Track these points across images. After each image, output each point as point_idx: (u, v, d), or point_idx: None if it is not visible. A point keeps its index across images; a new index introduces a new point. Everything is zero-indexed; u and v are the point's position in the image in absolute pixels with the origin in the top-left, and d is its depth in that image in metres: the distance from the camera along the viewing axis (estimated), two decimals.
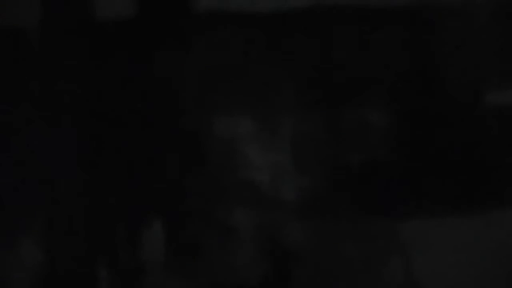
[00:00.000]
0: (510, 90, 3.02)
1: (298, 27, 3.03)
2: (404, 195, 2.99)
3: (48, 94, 2.94)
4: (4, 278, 2.79)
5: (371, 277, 2.96)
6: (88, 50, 2.96)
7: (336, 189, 3.01)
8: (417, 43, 3.06)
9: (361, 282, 2.96)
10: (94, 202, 2.92)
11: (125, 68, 2.99)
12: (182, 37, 3.01)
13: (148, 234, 2.91)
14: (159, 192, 2.95)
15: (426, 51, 3.06)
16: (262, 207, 3.00)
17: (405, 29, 3.06)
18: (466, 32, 3.04)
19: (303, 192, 3.01)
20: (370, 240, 2.99)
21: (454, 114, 3.04)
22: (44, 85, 2.94)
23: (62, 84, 2.93)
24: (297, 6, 3.02)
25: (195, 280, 2.90)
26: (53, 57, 2.93)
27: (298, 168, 3.04)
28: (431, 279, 2.93)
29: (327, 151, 3.05)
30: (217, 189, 2.99)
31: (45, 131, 2.91)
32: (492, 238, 2.95)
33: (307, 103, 3.04)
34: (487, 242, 2.95)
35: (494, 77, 3.04)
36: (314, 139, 3.05)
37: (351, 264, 2.95)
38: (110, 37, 3.00)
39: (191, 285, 2.91)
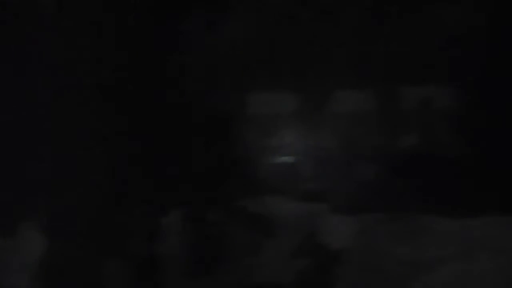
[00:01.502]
0: None
1: None
2: (467, 192, 2.56)
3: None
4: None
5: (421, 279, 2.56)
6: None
7: (388, 181, 2.59)
8: None
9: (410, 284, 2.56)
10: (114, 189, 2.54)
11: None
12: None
13: (169, 224, 2.55)
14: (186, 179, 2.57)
15: None
16: (300, 197, 2.60)
17: None
18: None
19: (349, 183, 2.61)
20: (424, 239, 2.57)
21: None
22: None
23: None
24: None
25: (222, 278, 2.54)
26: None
27: (344, 154, 2.62)
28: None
29: (381, 136, 2.63)
30: (250, 176, 2.60)
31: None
32: None
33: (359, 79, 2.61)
34: None
35: None
36: (365, 121, 2.62)
37: (400, 265, 2.54)
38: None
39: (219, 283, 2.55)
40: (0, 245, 2.50)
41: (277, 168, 2.61)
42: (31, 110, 2.53)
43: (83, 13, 2.53)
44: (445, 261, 2.51)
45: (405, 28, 2.59)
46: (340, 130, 2.62)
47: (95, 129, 2.53)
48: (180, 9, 2.54)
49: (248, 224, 2.57)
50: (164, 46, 2.55)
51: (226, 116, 2.61)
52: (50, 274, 2.49)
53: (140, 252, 2.55)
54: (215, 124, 2.60)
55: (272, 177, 2.60)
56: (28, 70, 2.54)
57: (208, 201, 2.61)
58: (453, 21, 2.59)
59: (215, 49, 2.58)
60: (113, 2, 2.53)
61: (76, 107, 2.52)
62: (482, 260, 2.51)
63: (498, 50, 2.57)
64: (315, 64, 2.60)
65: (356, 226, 2.56)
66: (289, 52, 2.60)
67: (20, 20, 2.55)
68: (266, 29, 2.59)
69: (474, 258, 2.52)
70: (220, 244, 2.57)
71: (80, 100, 2.52)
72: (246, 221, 2.58)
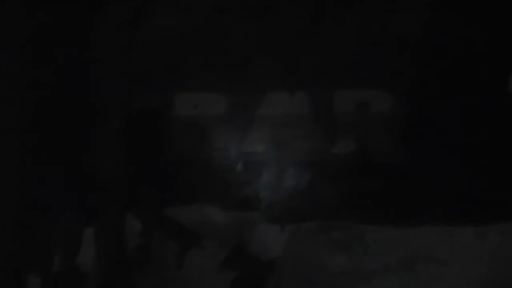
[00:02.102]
0: None
1: None
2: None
3: None
4: None
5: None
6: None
7: (323, 188, 2.45)
8: None
9: None
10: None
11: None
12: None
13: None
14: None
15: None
16: (230, 205, 2.44)
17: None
18: None
19: (282, 190, 2.46)
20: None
21: None
22: None
23: None
24: None
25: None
26: None
27: (277, 160, 2.48)
28: None
29: (315, 141, 2.49)
30: (176, 183, 2.43)
31: None
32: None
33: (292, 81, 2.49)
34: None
35: None
36: (299, 125, 2.49)
37: (334, 276, 2.39)
38: None
39: None
40: None
41: (206, 174, 2.44)
42: None
43: None
44: (383, 272, 2.37)
45: (343, 29, 2.49)
46: (274, 134, 2.47)
47: (8, 129, 2.33)
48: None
49: (174, 234, 2.38)
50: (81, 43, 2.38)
51: (153, 118, 2.44)
52: None
53: (61, 264, 2.33)
54: (141, 125, 2.43)
55: (200, 183, 2.44)
56: None
57: (132, 209, 2.42)
58: (392, 24, 2.51)
59: (140, 46, 2.44)
60: None
61: None
62: (421, 271, 2.38)
63: (437, 54, 2.50)
64: (248, 64, 2.48)
65: (288, 235, 2.40)
66: (220, 51, 2.46)
67: None
68: (196, 26, 2.46)
69: (413, 269, 2.39)
70: (144, 255, 2.38)
71: None
72: (171, 230, 2.39)
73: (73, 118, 2.35)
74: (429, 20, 2.48)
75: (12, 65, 2.26)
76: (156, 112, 2.45)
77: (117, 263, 2.35)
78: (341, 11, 2.48)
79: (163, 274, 2.36)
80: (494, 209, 2.42)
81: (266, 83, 2.47)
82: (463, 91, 2.46)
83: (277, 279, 2.35)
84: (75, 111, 2.35)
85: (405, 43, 2.47)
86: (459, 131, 2.45)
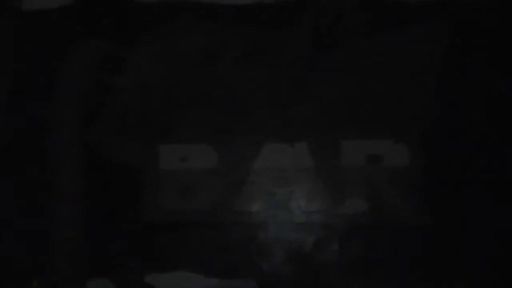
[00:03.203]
0: None
1: None
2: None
3: None
4: None
5: None
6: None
7: (326, 252, 2.11)
8: None
9: None
10: None
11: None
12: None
13: None
14: None
15: None
16: (220, 273, 2.11)
17: None
18: None
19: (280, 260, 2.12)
20: None
21: None
22: None
23: None
24: None
25: None
26: None
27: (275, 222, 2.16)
28: None
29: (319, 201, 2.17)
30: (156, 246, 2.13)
31: None
32: None
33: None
34: None
35: None
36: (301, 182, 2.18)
37: None
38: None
39: None
40: None
41: (192, 236, 2.13)
42: None
43: None
44: None
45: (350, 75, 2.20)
46: (271, 191, 2.16)
47: None
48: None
49: None
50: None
51: (133, 172, 2.17)
52: None
53: None
54: (118, 181, 2.16)
55: (186, 246, 2.13)
56: None
57: (109, 275, 2.12)
58: (402, 71, 2.21)
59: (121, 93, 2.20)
60: None
61: None
62: None
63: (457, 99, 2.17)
64: (240, 113, 2.20)
65: None
66: (209, 99, 2.20)
67: None
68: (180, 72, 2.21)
69: None
70: None
71: None
72: None
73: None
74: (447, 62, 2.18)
75: None
76: (137, 166, 2.17)
77: None
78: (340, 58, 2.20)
79: None
80: None
81: (263, 133, 2.18)
82: (489, 140, 2.12)
83: None
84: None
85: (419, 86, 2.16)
86: (487, 185, 2.09)
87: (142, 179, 2.16)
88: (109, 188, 2.15)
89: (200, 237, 2.12)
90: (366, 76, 2.18)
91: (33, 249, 2.13)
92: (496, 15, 2.20)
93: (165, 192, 2.15)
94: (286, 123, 2.18)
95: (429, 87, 2.17)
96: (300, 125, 2.18)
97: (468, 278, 2.08)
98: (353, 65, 2.19)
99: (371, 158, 2.16)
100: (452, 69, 2.17)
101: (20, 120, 2.17)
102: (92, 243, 2.12)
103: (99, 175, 2.16)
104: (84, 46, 2.17)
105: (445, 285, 2.07)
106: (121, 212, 2.14)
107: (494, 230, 2.09)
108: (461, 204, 2.11)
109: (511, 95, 2.14)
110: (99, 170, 2.16)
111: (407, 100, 2.18)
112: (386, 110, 2.17)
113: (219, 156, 2.17)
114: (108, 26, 2.24)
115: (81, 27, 2.23)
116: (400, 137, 2.17)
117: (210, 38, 2.22)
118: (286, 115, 2.18)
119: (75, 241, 2.07)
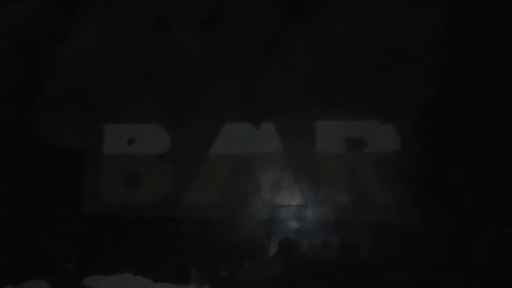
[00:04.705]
0: None
1: None
2: None
3: None
4: None
5: None
6: None
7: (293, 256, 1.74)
8: None
9: None
10: None
11: None
12: None
13: None
14: None
15: None
16: (165, 277, 1.78)
17: None
18: None
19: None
20: None
21: None
22: None
23: None
24: None
25: None
26: None
27: None
28: None
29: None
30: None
31: None
32: None
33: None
34: None
35: None
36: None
37: None
38: None
39: None
40: None
41: (138, 233, 1.81)
42: None
43: None
44: None
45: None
46: (229, 180, 1.82)
47: None
48: None
49: None
50: None
51: (75, 156, 1.87)
52: None
53: None
54: (59, 165, 1.86)
55: (129, 245, 1.81)
56: None
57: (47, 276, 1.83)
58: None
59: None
60: None
61: None
62: None
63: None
64: (197, 88, 1.86)
65: None
66: (162, 72, 1.87)
67: None
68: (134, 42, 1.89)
69: None
70: None
71: None
72: None
73: None
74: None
75: None
76: (78, 149, 1.87)
77: None
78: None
79: None
80: None
81: (222, 112, 1.83)
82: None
83: None
84: None
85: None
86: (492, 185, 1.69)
87: (83, 165, 1.85)
88: (46, 176, 1.85)
89: (147, 234, 1.80)
90: (348, 43, 1.81)
91: None
92: None
93: (108, 181, 1.84)
94: (249, 99, 1.83)
95: (428, 59, 1.79)
96: (266, 101, 1.82)
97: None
98: (333, 29, 1.82)
99: (353, 142, 1.79)
100: (454, 42, 1.78)
101: None
102: (27, 240, 1.83)
103: (36, 161, 1.86)
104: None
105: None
106: (58, 204, 1.84)
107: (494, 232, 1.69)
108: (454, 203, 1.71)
109: None
110: (36, 155, 1.86)
111: (398, 72, 1.79)
112: (372, 83, 1.80)
113: (171, 138, 1.84)
114: None
115: None
116: (389, 117, 1.79)
117: (165, 3, 1.89)
118: (250, 90, 1.83)
119: None
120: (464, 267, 1.70)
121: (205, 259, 1.77)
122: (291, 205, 1.79)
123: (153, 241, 1.80)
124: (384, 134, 1.78)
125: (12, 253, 1.82)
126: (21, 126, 1.87)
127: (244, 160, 1.81)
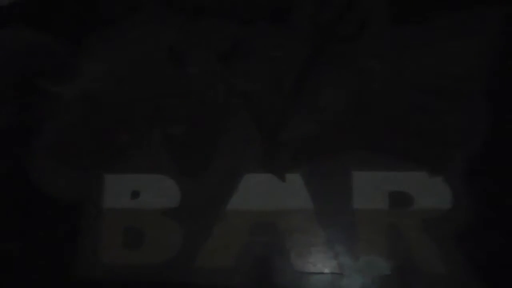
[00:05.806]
0: None
1: None
2: None
3: None
4: None
5: None
6: None
7: None
8: None
9: None
10: None
11: None
12: None
13: None
14: None
15: None
16: None
17: None
18: None
19: None
20: None
21: None
22: None
23: None
24: None
25: None
26: None
27: None
28: None
29: None
30: None
31: None
32: None
33: None
34: None
35: None
36: None
37: None
38: None
39: None
40: None
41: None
42: None
43: None
44: None
45: None
46: (248, 242, 1.54)
47: None
48: None
49: None
50: None
51: (71, 210, 1.61)
52: None
53: None
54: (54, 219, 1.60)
55: None
56: None
57: None
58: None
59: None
60: None
61: None
62: None
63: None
64: (212, 134, 1.61)
65: None
66: (172, 115, 1.63)
67: None
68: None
69: None
70: None
71: None
72: None
73: None
74: None
75: None
76: (75, 202, 1.61)
77: None
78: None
79: None
80: None
81: (240, 162, 1.57)
82: None
83: None
84: None
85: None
86: None
87: (79, 221, 1.60)
88: (35, 230, 1.60)
89: None
90: (386, 82, 1.56)
91: None
92: None
93: (107, 239, 1.57)
94: (272, 146, 1.57)
95: (477, 97, 1.53)
96: (292, 149, 1.56)
97: None
98: (368, 66, 1.58)
99: (396, 197, 1.51)
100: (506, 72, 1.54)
101: None
102: None
103: (26, 213, 1.61)
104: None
105: None
106: (49, 265, 1.57)
107: None
108: None
109: None
110: (26, 206, 1.62)
111: (445, 115, 1.53)
112: (416, 129, 1.54)
113: (181, 191, 1.58)
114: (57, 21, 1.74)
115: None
116: (437, 168, 1.52)
117: (178, 35, 1.67)
118: (273, 135, 1.58)
119: None
120: None
121: None
122: (323, 273, 1.50)
123: None
124: (433, 187, 1.51)
125: None
126: (12, 172, 1.64)
127: (266, 218, 1.54)
